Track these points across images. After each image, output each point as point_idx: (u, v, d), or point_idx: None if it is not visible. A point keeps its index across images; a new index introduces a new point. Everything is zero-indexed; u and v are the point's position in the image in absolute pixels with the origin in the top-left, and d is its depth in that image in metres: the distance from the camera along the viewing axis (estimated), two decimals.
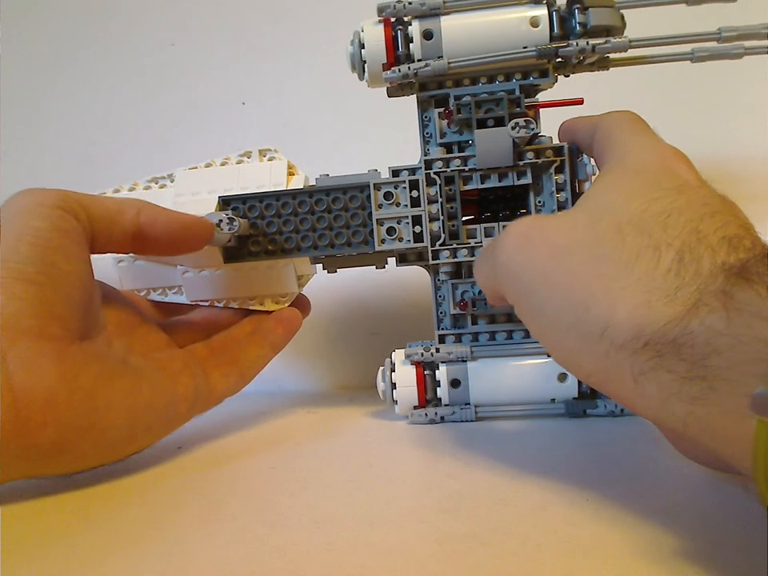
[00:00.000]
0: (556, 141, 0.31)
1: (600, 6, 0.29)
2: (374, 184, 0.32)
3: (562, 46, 0.29)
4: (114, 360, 0.27)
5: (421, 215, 0.32)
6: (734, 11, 0.31)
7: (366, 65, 0.31)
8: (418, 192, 0.32)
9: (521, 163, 0.31)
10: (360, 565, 0.17)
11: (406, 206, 0.32)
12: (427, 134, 0.33)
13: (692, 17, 0.32)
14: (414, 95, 0.32)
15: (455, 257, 0.32)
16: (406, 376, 0.33)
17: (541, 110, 0.32)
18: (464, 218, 0.32)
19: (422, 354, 0.32)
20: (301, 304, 0.35)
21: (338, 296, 0.47)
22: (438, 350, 0.32)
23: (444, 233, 0.32)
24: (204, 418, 0.31)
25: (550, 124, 0.31)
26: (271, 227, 0.33)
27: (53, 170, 0.52)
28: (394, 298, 0.47)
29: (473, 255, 0.31)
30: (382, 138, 0.46)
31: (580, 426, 0.31)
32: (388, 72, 0.31)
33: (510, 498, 0.22)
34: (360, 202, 0.32)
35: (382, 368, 0.34)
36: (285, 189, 0.33)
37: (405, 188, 0.32)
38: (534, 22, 0.30)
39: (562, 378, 0.31)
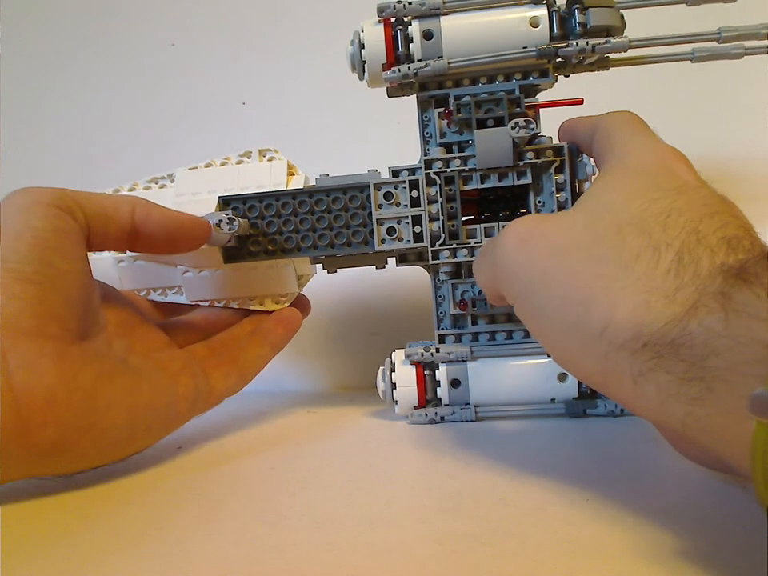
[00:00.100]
0: (556, 141, 0.31)
1: (600, 6, 0.29)
2: (374, 184, 0.32)
3: (562, 46, 0.29)
4: (114, 360, 0.27)
5: (421, 215, 0.32)
6: (733, 11, 0.31)
7: (365, 65, 0.31)
8: (418, 192, 0.32)
9: (521, 163, 0.31)
10: (360, 565, 0.17)
11: (406, 206, 0.32)
12: (427, 134, 0.33)
13: (692, 17, 0.32)
14: (414, 95, 0.32)
15: (455, 257, 0.32)
16: (405, 376, 0.33)
17: (541, 109, 0.32)
18: (464, 218, 0.32)
19: (422, 354, 0.32)
20: (301, 304, 0.35)
21: (338, 296, 0.47)
22: (438, 350, 0.32)
23: (444, 233, 0.32)
24: (204, 417, 0.31)
25: (549, 124, 0.31)
26: (271, 227, 0.33)
27: (53, 170, 0.52)
28: (394, 298, 0.47)
29: (473, 255, 0.31)
30: (382, 138, 0.46)
31: (580, 426, 0.31)
32: (388, 72, 0.31)
33: (510, 497, 0.22)
34: (360, 202, 0.32)
35: (381, 368, 0.34)
36: (285, 189, 0.33)
37: (405, 188, 0.32)
38: (534, 22, 0.30)
39: (562, 377, 0.31)
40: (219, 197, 0.33)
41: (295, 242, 0.33)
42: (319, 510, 0.22)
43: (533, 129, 0.30)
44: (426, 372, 0.33)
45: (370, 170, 0.33)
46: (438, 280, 0.33)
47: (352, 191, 0.32)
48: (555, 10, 0.30)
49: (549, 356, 0.29)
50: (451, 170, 0.31)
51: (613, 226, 0.20)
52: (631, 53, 0.30)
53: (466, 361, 0.32)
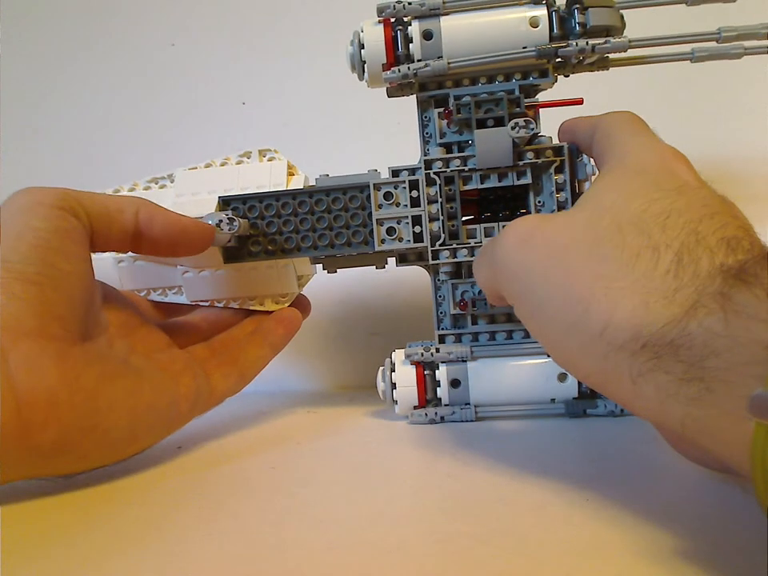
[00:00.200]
0: (556, 141, 0.31)
1: (600, 6, 0.29)
2: (374, 184, 0.32)
3: (562, 46, 0.29)
4: (115, 361, 0.27)
5: (421, 215, 0.32)
6: (733, 11, 0.31)
7: (365, 65, 0.31)
8: (418, 192, 0.32)
9: (520, 163, 0.31)
10: (360, 564, 0.17)
11: (406, 206, 0.32)
12: (427, 134, 0.33)
13: (692, 17, 0.32)
14: (414, 95, 0.33)
15: (455, 257, 0.32)
16: (406, 376, 0.33)
17: (541, 109, 0.32)
18: (464, 218, 0.32)
19: (422, 354, 0.32)
20: (301, 304, 0.35)
21: (338, 296, 0.47)
22: (438, 350, 0.32)
23: (444, 233, 0.32)
24: (204, 417, 0.31)
25: (549, 124, 0.31)
26: (271, 227, 0.33)
27: (53, 170, 0.52)
28: (394, 298, 0.47)
29: (473, 255, 0.31)
30: (382, 138, 0.46)
31: (580, 426, 0.31)
32: (388, 72, 0.31)
33: (510, 497, 0.22)
34: (360, 202, 0.32)
35: (381, 368, 0.34)
36: (285, 189, 0.33)
37: (405, 188, 0.32)
38: (534, 22, 0.30)
39: (562, 377, 0.31)
40: (219, 197, 0.33)
41: (295, 242, 0.33)
42: (319, 510, 0.22)
43: (533, 129, 0.30)
44: (426, 372, 0.33)
45: (369, 170, 0.33)
46: (438, 280, 0.33)
47: (352, 191, 0.32)
48: (555, 10, 0.30)
49: (548, 356, 0.29)
50: (451, 170, 0.31)
51: (613, 226, 0.20)
52: (631, 53, 0.30)
53: (465, 361, 0.32)
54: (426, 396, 0.33)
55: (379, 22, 0.31)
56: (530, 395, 0.32)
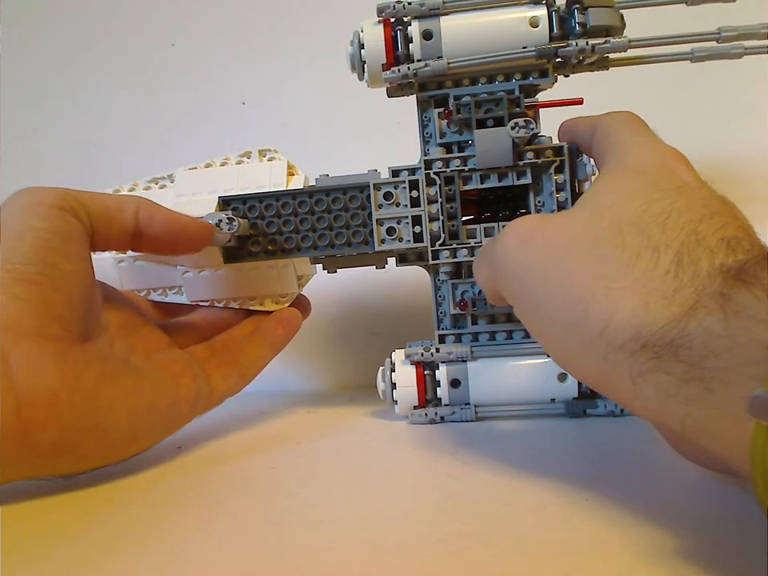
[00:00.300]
0: (556, 141, 0.31)
1: (599, 6, 0.29)
2: (374, 184, 0.32)
3: (562, 46, 0.29)
4: (115, 361, 0.27)
5: (421, 215, 0.32)
6: (733, 11, 0.31)
7: (365, 65, 0.31)
8: (418, 192, 0.32)
9: (520, 163, 0.31)
10: (360, 564, 0.17)
11: (406, 206, 0.32)
12: (427, 134, 0.33)
13: (692, 17, 0.32)
14: (414, 95, 0.33)
15: (455, 257, 0.32)
16: (406, 376, 0.33)
17: (540, 109, 0.32)
18: (464, 218, 0.32)
19: (422, 354, 0.32)
20: (301, 304, 0.35)
21: (338, 296, 0.47)
22: (438, 350, 0.32)
23: (444, 233, 0.32)
24: (204, 417, 0.31)
25: (549, 124, 0.31)
26: (271, 227, 0.33)
27: (53, 170, 0.52)
28: (394, 298, 0.47)
29: (473, 255, 0.31)
30: (382, 138, 0.46)
31: (580, 426, 0.31)
32: (388, 72, 0.31)
33: (510, 497, 0.22)
34: (360, 202, 0.32)
35: (381, 368, 0.34)
36: (285, 189, 0.33)
37: (405, 188, 0.32)
38: (534, 22, 0.30)
39: (562, 378, 0.31)
40: (219, 197, 0.33)
41: (295, 242, 0.33)
42: (319, 510, 0.22)
43: (532, 129, 0.30)
44: (425, 372, 0.33)
45: (369, 170, 0.33)
46: (438, 280, 0.33)
47: (352, 191, 0.32)
48: (555, 10, 0.30)
49: (548, 356, 0.29)
50: (451, 170, 0.31)
51: (613, 226, 0.20)
52: (631, 53, 0.30)
53: (465, 361, 0.32)
54: (426, 396, 0.33)
55: (379, 22, 0.31)
56: (529, 395, 0.32)
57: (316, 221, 0.33)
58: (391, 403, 0.33)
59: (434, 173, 0.32)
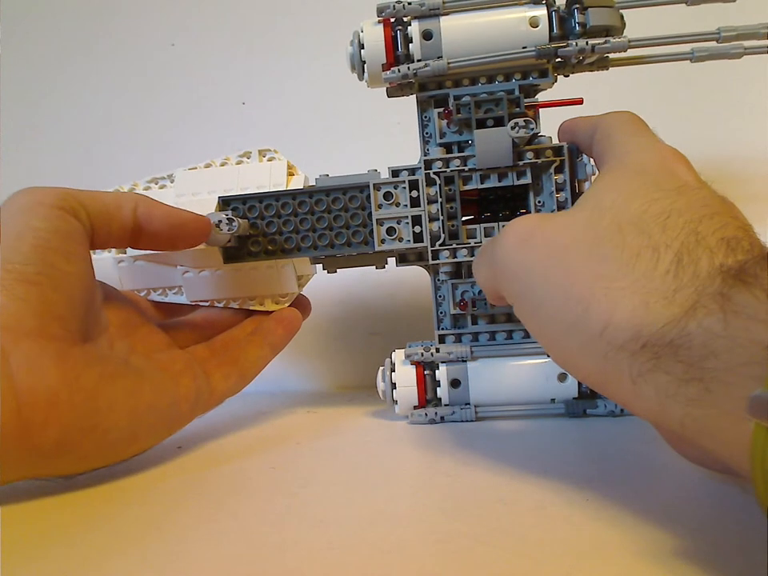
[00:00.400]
0: (556, 141, 0.31)
1: (599, 6, 0.29)
2: (374, 184, 0.32)
3: (562, 46, 0.29)
4: (116, 361, 0.27)
5: (420, 215, 0.32)
6: (733, 11, 0.31)
7: (365, 65, 0.31)
8: (418, 192, 0.32)
9: (520, 163, 0.31)
10: (360, 564, 0.18)
11: (406, 206, 0.32)
12: (427, 134, 0.33)
13: (691, 17, 0.32)
14: (414, 95, 0.33)
15: (455, 257, 0.32)
16: (406, 376, 0.33)
17: (540, 109, 0.32)
18: (464, 218, 0.32)
19: (422, 354, 0.32)
20: (301, 304, 0.36)
21: (338, 296, 0.47)
22: (438, 350, 0.32)
23: (444, 233, 0.32)
24: (204, 418, 0.31)
25: (549, 124, 0.31)
26: (271, 227, 0.33)
27: (53, 170, 0.52)
28: (394, 298, 0.47)
29: (472, 255, 0.31)
30: (382, 138, 0.46)
31: (580, 426, 0.31)
32: (387, 72, 0.31)
33: (510, 497, 0.22)
34: (360, 202, 0.32)
35: (381, 368, 0.34)
36: (285, 189, 0.33)
37: (404, 188, 0.32)
38: (534, 22, 0.30)
39: (562, 378, 0.31)
40: (219, 197, 0.33)
41: (295, 242, 0.33)
42: (319, 510, 0.22)
43: (532, 129, 0.30)
44: (425, 372, 0.33)
45: (369, 170, 0.33)
46: (438, 280, 0.33)
47: (352, 191, 0.32)
48: (555, 10, 0.30)
49: (548, 356, 0.29)
50: (451, 170, 0.31)
51: (613, 226, 0.20)
52: (631, 53, 0.30)
53: (465, 361, 0.32)
54: (426, 396, 0.33)
55: (379, 22, 0.31)
56: (529, 395, 0.32)
57: (316, 221, 0.33)
58: (391, 403, 0.33)
59: (434, 173, 0.32)
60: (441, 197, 0.31)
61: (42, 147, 0.54)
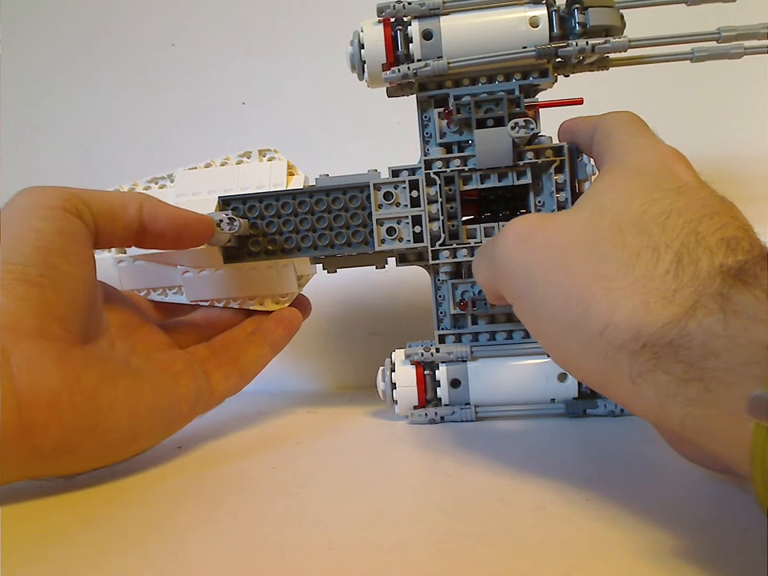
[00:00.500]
0: (556, 141, 0.31)
1: (599, 6, 0.29)
2: (374, 184, 0.32)
3: (562, 46, 0.29)
4: (116, 361, 0.27)
5: (421, 215, 0.32)
6: (733, 11, 0.31)
7: (365, 65, 0.31)
8: (418, 192, 0.32)
9: (520, 163, 0.31)
10: (360, 564, 0.18)
11: (406, 206, 0.32)
12: (427, 133, 0.33)
13: (692, 17, 0.32)
14: (414, 95, 0.33)
15: (455, 257, 0.32)
16: (406, 376, 0.33)
17: (541, 109, 0.32)
18: (464, 218, 0.32)
19: (422, 354, 0.32)
20: (301, 304, 0.36)
21: (338, 296, 0.47)
22: (438, 350, 0.32)
23: (444, 233, 0.32)
24: (204, 417, 0.31)
25: (549, 124, 0.31)
26: (271, 227, 0.33)
27: (53, 170, 0.52)
28: (394, 298, 0.47)
29: (473, 255, 0.31)
30: (382, 138, 0.46)
31: (580, 426, 0.31)
32: (387, 72, 0.31)
33: (510, 497, 0.22)
34: (360, 202, 0.32)
35: (382, 368, 0.34)
36: (285, 189, 0.33)
37: (405, 188, 0.32)
38: (534, 22, 0.30)
39: (562, 378, 0.31)
40: (219, 197, 0.33)
41: (295, 242, 0.33)
42: (319, 510, 0.22)
43: (532, 129, 0.30)
44: (426, 372, 0.33)
45: (369, 170, 0.33)
46: (438, 280, 0.33)
47: (352, 191, 0.32)
48: (555, 10, 0.30)
49: (548, 356, 0.29)
50: (451, 170, 0.31)
51: (613, 226, 0.20)
52: (631, 53, 0.30)
53: (465, 361, 0.32)
54: (426, 396, 0.33)
55: (379, 21, 0.31)
56: (529, 395, 0.32)
57: (316, 221, 0.33)
58: (391, 403, 0.33)
59: (434, 173, 0.32)
60: (441, 197, 0.31)
61: (41, 147, 0.54)
